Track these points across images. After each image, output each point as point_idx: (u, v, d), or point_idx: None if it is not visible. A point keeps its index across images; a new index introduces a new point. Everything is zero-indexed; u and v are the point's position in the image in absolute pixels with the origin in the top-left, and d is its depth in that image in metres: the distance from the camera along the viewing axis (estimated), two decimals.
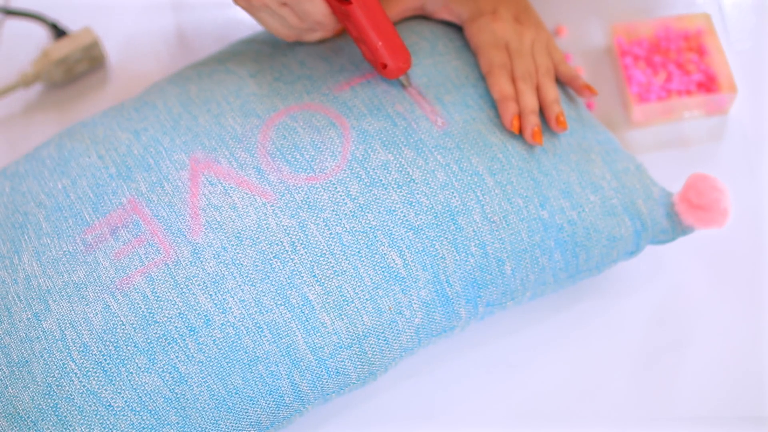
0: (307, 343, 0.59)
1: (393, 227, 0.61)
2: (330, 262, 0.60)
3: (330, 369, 0.60)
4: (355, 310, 0.60)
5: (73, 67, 0.83)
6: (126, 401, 0.57)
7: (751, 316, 0.69)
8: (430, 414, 0.67)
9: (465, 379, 0.68)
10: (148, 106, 0.69)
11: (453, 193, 0.62)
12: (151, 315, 0.59)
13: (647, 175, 0.67)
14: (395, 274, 0.61)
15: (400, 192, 0.62)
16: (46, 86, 0.85)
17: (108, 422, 0.57)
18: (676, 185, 0.68)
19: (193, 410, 0.58)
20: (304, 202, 0.62)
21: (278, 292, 0.60)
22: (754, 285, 0.70)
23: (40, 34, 0.87)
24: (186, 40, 0.86)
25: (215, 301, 0.59)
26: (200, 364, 0.58)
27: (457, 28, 0.71)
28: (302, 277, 0.60)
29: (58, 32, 0.84)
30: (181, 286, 0.60)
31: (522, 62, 0.66)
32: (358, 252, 0.61)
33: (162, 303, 0.59)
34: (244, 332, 0.59)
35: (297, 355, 0.59)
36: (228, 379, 0.59)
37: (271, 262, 0.60)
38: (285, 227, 0.61)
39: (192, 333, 0.59)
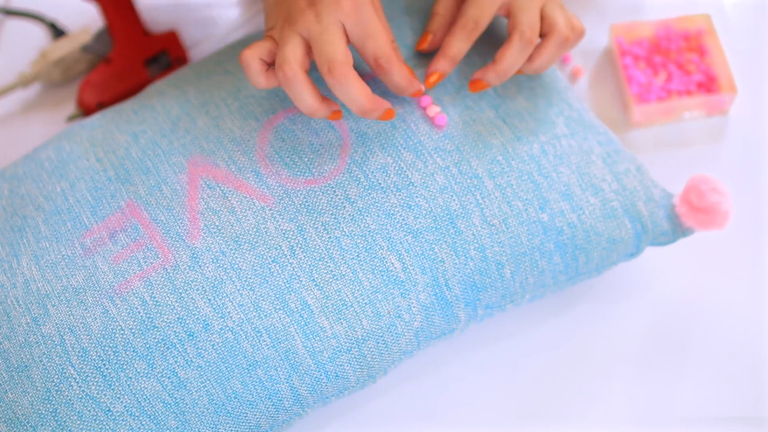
0: (306, 347, 0.59)
1: (392, 231, 0.61)
2: (329, 266, 0.60)
3: (329, 373, 0.60)
4: (354, 314, 0.60)
5: (72, 67, 0.83)
6: (125, 406, 0.57)
7: (751, 316, 0.69)
8: (430, 415, 0.67)
9: (464, 380, 0.68)
10: (146, 109, 0.68)
11: (452, 196, 0.62)
12: (150, 320, 0.59)
13: (648, 176, 0.67)
14: (394, 277, 0.61)
15: (399, 195, 0.62)
16: (44, 86, 0.85)
17: (107, 427, 0.57)
18: (675, 185, 0.68)
19: (193, 415, 0.58)
20: (302, 206, 0.62)
21: (277, 296, 0.60)
22: (754, 285, 0.70)
23: (38, 33, 0.87)
24: (185, 39, 0.85)
25: (214, 306, 0.59)
26: (199, 369, 0.58)
27: None
28: (301, 281, 0.60)
29: (57, 32, 0.84)
30: (180, 290, 0.60)
31: None
32: (357, 256, 0.61)
33: (161, 308, 0.59)
34: (243, 337, 0.59)
35: (296, 359, 0.59)
36: (227, 384, 0.59)
37: (269, 266, 0.60)
38: (284, 231, 0.61)
39: (191, 338, 0.59)
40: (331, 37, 0.58)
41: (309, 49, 0.59)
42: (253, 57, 0.60)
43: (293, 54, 0.58)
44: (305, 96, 0.58)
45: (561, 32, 0.63)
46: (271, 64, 0.61)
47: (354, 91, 0.58)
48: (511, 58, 0.62)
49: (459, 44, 0.63)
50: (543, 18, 0.63)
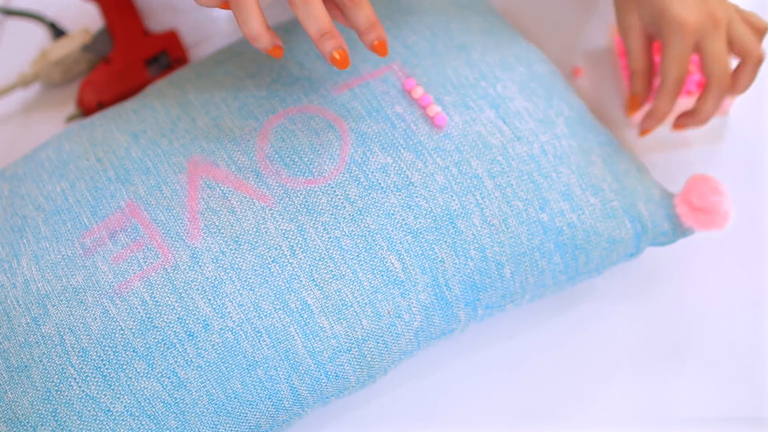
0: (306, 347, 0.59)
1: (392, 231, 0.61)
2: (329, 266, 0.60)
3: (329, 373, 0.60)
4: (354, 314, 0.60)
5: (72, 67, 0.83)
6: (125, 406, 0.58)
7: (751, 316, 0.69)
8: (430, 415, 0.67)
9: (464, 380, 0.68)
10: (146, 108, 0.68)
11: (452, 196, 0.62)
12: (150, 320, 0.59)
13: (648, 176, 0.67)
14: (394, 277, 0.61)
15: (399, 195, 0.62)
16: (44, 86, 0.85)
17: (107, 427, 0.57)
18: (675, 186, 0.68)
19: (192, 415, 0.58)
20: (302, 206, 0.62)
21: (277, 296, 0.60)
22: (754, 286, 0.70)
23: (38, 34, 0.87)
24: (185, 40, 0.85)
25: (214, 306, 0.59)
26: (199, 369, 0.58)
27: (456, 27, 0.71)
28: (301, 281, 0.60)
29: (57, 32, 0.84)
30: (180, 290, 0.60)
31: None
32: (357, 256, 0.61)
33: (161, 308, 0.59)
34: (243, 337, 0.59)
35: (296, 359, 0.59)
36: (227, 384, 0.59)
37: (269, 266, 0.60)
38: (283, 231, 0.61)
39: (191, 338, 0.59)
40: None
41: None
42: None
43: None
44: (252, 18, 0.57)
45: (755, 57, 0.66)
46: None
47: (317, 9, 0.57)
48: (711, 106, 0.68)
49: (667, 107, 0.68)
50: (731, 42, 0.66)
